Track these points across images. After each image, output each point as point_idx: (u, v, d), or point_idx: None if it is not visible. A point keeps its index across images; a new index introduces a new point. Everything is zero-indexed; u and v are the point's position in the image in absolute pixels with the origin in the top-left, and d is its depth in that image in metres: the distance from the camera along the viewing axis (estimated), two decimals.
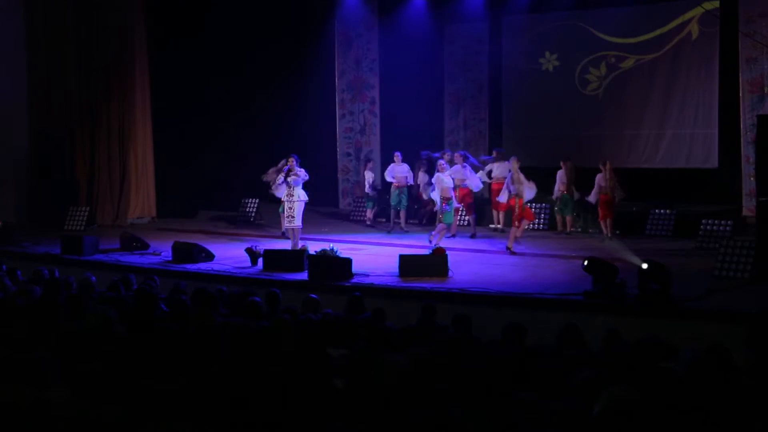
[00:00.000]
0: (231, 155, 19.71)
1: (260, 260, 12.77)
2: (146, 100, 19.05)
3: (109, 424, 4.57)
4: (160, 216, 19.08)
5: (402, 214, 17.01)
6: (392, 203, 16.96)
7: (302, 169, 13.94)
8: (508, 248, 13.82)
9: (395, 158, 17.03)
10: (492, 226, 16.79)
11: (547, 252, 13.88)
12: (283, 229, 15.28)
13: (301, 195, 13.88)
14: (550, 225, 16.82)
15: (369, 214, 17.84)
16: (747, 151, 16.15)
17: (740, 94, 16.47)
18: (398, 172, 16.86)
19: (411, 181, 16.97)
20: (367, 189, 17.90)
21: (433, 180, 15.01)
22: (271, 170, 16.00)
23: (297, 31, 19.88)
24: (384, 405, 4.56)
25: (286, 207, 13.93)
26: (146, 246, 14.49)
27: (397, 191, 16.78)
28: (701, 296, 10.12)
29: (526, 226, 14.83)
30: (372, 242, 15.32)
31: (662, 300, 9.69)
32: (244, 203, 18.75)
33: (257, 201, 18.44)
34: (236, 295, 8.89)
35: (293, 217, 13.82)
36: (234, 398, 4.85)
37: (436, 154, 16.42)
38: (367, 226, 17.48)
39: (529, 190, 14.35)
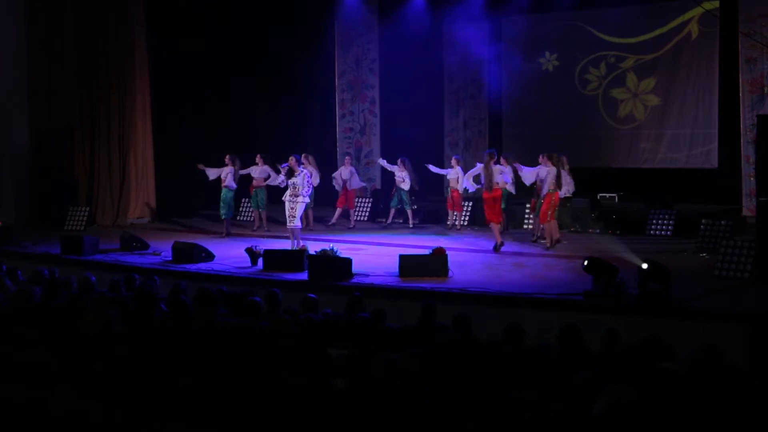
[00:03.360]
0: (231, 155, 19.70)
1: (260, 260, 12.78)
2: (146, 100, 19.06)
3: (110, 424, 4.57)
4: (160, 216, 19.08)
5: (393, 212, 17.64)
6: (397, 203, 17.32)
7: (303, 169, 13.89)
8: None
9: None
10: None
11: (547, 252, 13.87)
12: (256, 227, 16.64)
13: (302, 195, 13.86)
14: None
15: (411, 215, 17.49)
16: (747, 151, 16.18)
17: (740, 94, 16.51)
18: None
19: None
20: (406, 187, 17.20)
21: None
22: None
23: (297, 31, 19.88)
24: (384, 405, 4.56)
25: (287, 207, 13.89)
26: (146, 246, 14.50)
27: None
28: (701, 296, 10.12)
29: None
30: (372, 242, 15.33)
31: (662, 300, 9.69)
32: (244, 203, 18.76)
33: None
34: (236, 295, 8.89)
35: (293, 217, 13.83)
36: (234, 398, 4.85)
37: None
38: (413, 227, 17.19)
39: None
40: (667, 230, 15.53)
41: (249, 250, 12.98)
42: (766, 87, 16.24)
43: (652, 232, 15.63)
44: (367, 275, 11.86)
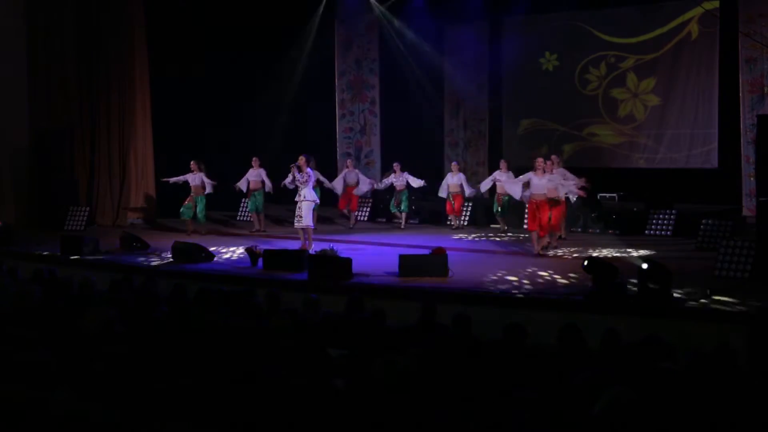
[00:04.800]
0: (231, 155, 19.71)
1: (260, 260, 12.78)
2: (146, 100, 19.07)
3: (110, 424, 4.57)
4: (160, 216, 19.08)
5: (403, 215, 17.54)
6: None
7: (310, 170, 14.00)
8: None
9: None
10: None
11: (547, 252, 13.86)
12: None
13: (308, 195, 13.94)
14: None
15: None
16: (747, 151, 16.17)
17: (740, 94, 16.50)
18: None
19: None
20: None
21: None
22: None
23: (297, 32, 19.88)
24: (384, 405, 4.55)
25: (297, 207, 14.01)
26: (146, 246, 14.51)
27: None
28: (701, 296, 10.11)
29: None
30: (372, 242, 15.33)
31: (662, 300, 9.68)
32: (244, 203, 18.74)
33: None
34: (236, 295, 8.88)
35: (301, 217, 13.88)
36: (234, 398, 4.85)
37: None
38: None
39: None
40: (667, 230, 15.53)
41: (249, 250, 12.98)
42: (766, 87, 16.23)
43: (652, 232, 15.63)
44: (367, 275, 11.86)
